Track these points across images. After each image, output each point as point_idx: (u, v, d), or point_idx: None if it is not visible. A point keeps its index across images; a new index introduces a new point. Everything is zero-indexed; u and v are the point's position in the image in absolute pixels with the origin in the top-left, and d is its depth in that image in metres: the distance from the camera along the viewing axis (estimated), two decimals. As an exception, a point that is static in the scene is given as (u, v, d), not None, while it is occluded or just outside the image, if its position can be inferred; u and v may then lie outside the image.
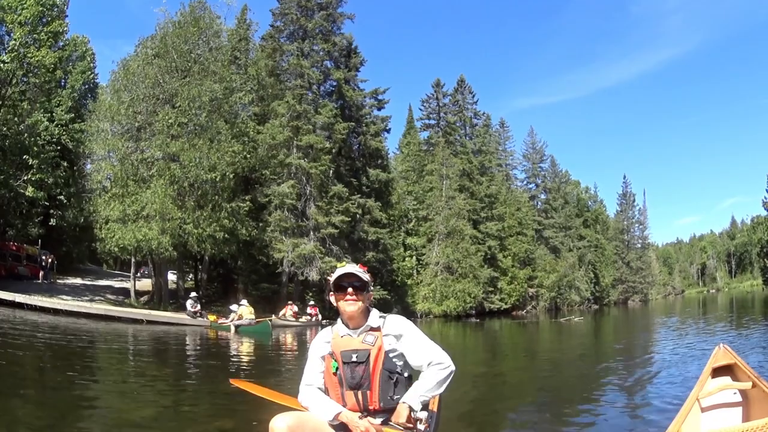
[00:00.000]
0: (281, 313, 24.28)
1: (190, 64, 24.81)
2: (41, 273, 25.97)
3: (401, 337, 2.93)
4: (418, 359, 2.90)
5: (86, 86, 29.90)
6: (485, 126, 53.46)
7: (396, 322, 3.00)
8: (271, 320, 20.54)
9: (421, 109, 51.92)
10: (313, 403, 2.89)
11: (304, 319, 24.99)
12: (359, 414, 2.81)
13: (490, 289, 43.97)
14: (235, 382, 4.13)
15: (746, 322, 19.56)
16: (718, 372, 4.22)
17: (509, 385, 8.63)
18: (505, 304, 46.16)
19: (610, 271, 72.64)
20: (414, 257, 41.12)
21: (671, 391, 6.54)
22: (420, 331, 2.99)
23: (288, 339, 17.78)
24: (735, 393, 4.02)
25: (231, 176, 24.51)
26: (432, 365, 2.87)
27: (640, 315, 38.91)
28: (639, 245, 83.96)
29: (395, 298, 34.78)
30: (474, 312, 40.24)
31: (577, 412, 5.99)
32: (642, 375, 8.47)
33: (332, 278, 3.00)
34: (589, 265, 64.39)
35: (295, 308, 25.48)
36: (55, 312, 18.40)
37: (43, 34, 21.91)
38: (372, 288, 3.08)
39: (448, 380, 2.88)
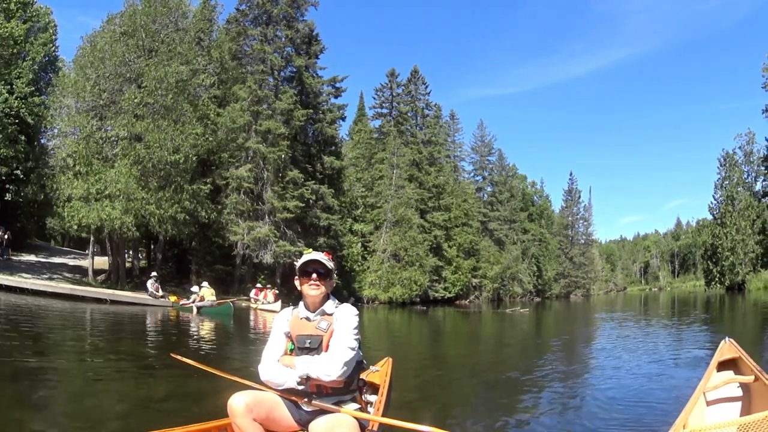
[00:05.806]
0: (261, 297, 26.09)
1: (157, 44, 27.61)
2: (-4, 249, 27.74)
3: (338, 321, 3.30)
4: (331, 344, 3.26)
5: (46, 59, 31.16)
6: (436, 117, 58.97)
7: (344, 310, 3.36)
8: (233, 302, 22.75)
9: (374, 98, 56.53)
10: (277, 372, 3.24)
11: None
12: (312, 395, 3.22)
13: (435, 278, 49.42)
14: (176, 356, 4.31)
15: (688, 321, 21.48)
16: (723, 366, 4.64)
17: (467, 373, 9.28)
18: (449, 293, 51.90)
19: (553, 265, 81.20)
20: (360, 244, 45.26)
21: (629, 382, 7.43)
22: (354, 326, 3.29)
23: (251, 320, 20.39)
24: (738, 386, 4.33)
25: (194, 158, 27.52)
26: (328, 355, 3.18)
27: (583, 309, 42.47)
28: (582, 241, 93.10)
29: (343, 283, 38.77)
30: (419, 300, 45.26)
31: (556, 397, 6.57)
32: (613, 362, 9.63)
33: (299, 263, 3.36)
34: (532, 258, 71.92)
35: (276, 290, 27.26)
36: (21, 291, 19.96)
37: (12, 4, 23.77)
38: (335, 276, 3.45)
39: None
